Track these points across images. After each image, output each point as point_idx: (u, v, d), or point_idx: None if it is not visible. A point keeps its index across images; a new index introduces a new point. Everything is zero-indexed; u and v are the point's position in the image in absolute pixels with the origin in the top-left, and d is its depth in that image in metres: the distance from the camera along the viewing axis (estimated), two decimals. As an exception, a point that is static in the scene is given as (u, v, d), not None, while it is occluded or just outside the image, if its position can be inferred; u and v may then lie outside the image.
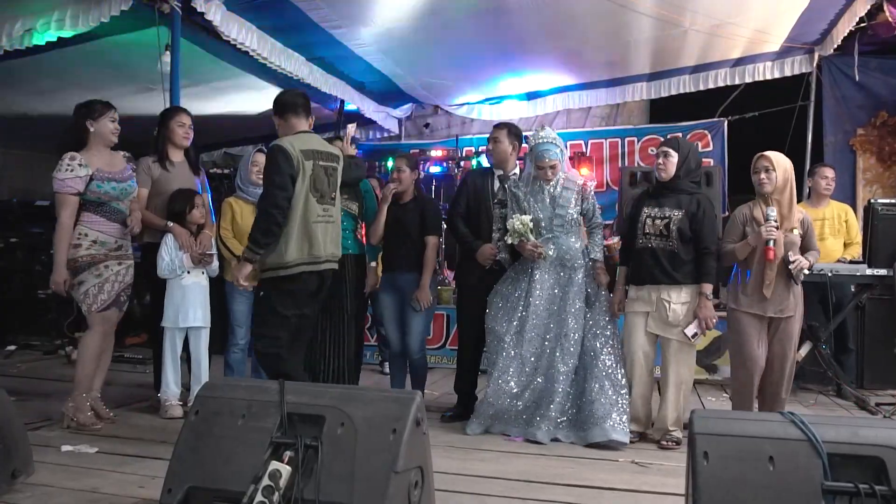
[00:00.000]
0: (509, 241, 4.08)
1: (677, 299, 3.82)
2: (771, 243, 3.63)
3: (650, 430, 3.95)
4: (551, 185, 4.11)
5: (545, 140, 4.09)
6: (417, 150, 8.24)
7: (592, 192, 4.19)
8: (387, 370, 5.70)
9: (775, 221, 3.65)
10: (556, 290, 4.07)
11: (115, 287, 3.92)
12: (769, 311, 3.74)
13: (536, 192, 4.14)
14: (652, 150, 7.92)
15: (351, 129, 4.37)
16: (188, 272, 4.17)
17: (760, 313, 3.75)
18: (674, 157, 3.88)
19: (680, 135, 7.48)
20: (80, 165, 3.80)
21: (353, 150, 4.24)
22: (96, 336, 3.90)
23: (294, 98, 3.59)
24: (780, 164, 3.75)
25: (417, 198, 4.53)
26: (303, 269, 3.39)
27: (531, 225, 4.00)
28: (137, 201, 4.16)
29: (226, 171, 7.60)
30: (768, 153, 3.78)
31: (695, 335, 3.80)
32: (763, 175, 3.74)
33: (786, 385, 3.83)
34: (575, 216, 4.09)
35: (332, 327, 4.24)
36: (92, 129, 3.88)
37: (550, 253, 4.05)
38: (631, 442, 3.82)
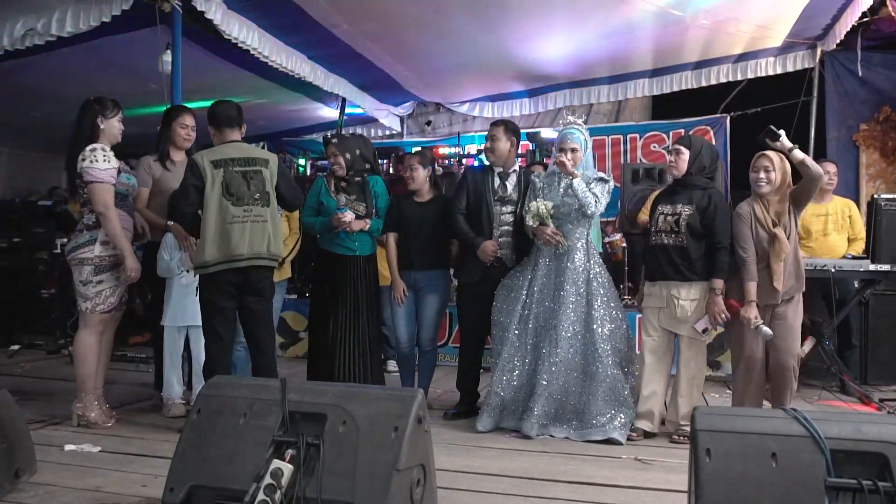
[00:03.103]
0: (529, 223, 4.04)
1: (686, 295, 3.82)
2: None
3: (663, 427, 3.95)
4: (568, 179, 4.09)
5: (571, 124, 4.15)
6: (420, 148, 8.24)
7: (602, 185, 4.04)
8: (390, 368, 5.70)
9: (759, 334, 3.69)
10: (553, 280, 4.05)
11: (122, 290, 3.94)
12: (769, 300, 3.72)
13: (552, 182, 4.14)
14: (654, 147, 7.96)
15: None
16: (187, 271, 4.17)
17: (763, 303, 3.73)
18: (685, 154, 3.89)
19: (693, 130, 7.56)
20: (112, 157, 3.82)
21: None
22: (92, 335, 3.89)
23: (226, 111, 3.85)
24: (779, 165, 3.74)
25: (437, 197, 4.55)
26: (222, 268, 3.64)
27: (552, 211, 3.98)
28: (139, 200, 4.18)
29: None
30: (770, 153, 3.76)
31: (705, 330, 3.82)
32: (762, 174, 3.73)
33: (793, 381, 3.79)
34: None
35: (341, 329, 4.24)
36: (102, 126, 3.90)
37: (566, 242, 4.02)
38: (632, 439, 3.82)
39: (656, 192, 5.81)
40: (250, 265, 3.68)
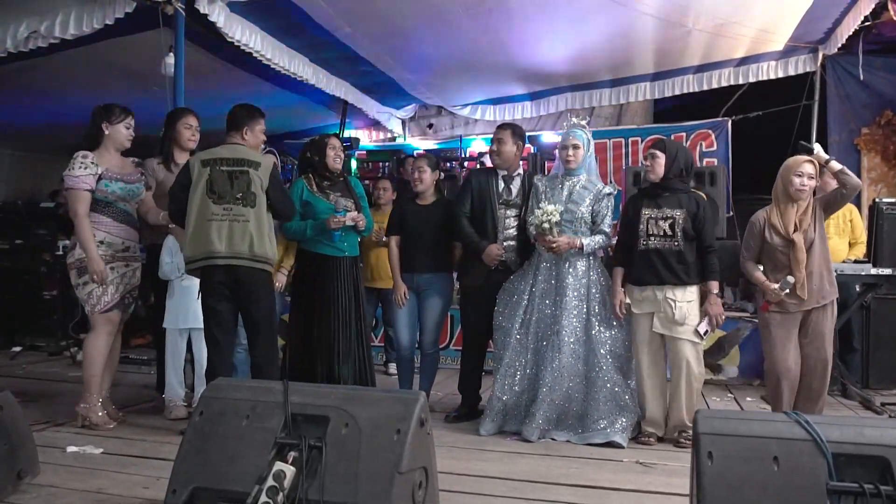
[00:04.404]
0: (531, 231, 4.07)
1: (683, 298, 3.82)
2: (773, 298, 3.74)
3: (666, 432, 3.94)
4: (571, 182, 4.11)
5: (574, 125, 4.20)
6: (422, 151, 8.25)
7: (610, 199, 4.13)
8: (391, 371, 5.71)
9: (787, 291, 3.68)
10: (554, 286, 4.05)
11: (120, 289, 3.95)
12: (798, 306, 3.72)
13: (555, 186, 4.16)
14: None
15: None
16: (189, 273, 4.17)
17: (792, 310, 3.73)
18: (661, 158, 3.90)
19: (695, 133, 7.58)
20: (92, 163, 3.86)
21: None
22: (100, 337, 3.92)
23: (231, 114, 3.91)
24: (816, 173, 3.76)
25: (440, 199, 4.56)
26: (202, 265, 3.67)
27: (556, 217, 3.95)
28: (143, 203, 4.19)
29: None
30: (814, 160, 3.78)
31: (706, 332, 3.84)
32: (807, 181, 3.72)
33: (824, 386, 3.80)
34: (586, 215, 4.07)
35: (324, 330, 4.18)
36: (107, 132, 3.95)
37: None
38: (650, 444, 3.83)
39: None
40: (231, 264, 3.65)
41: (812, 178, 3.72)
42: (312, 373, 4.19)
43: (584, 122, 4.24)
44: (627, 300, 3.96)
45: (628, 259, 3.96)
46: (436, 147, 8.59)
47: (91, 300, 3.89)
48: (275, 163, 3.92)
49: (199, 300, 3.80)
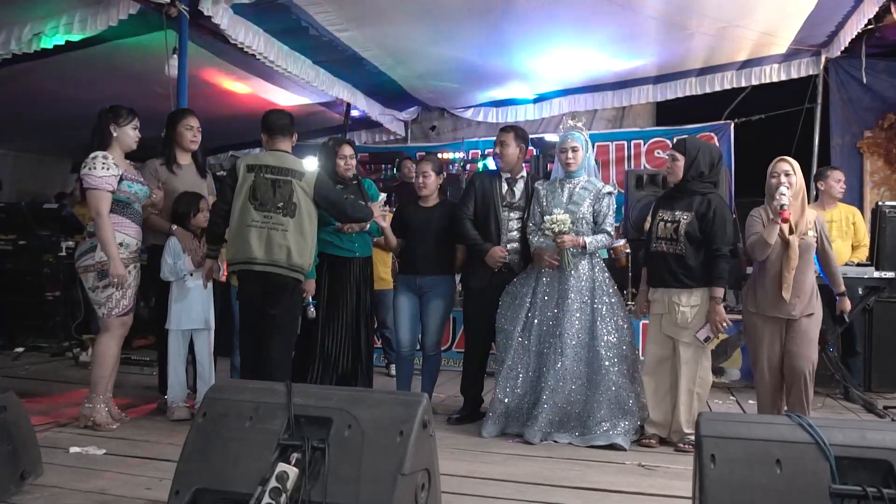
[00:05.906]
0: (535, 241, 4.10)
1: (687, 302, 3.79)
2: (786, 207, 3.55)
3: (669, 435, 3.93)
4: (571, 184, 4.12)
5: (571, 127, 4.21)
6: (423, 153, 8.26)
7: (610, 199, 4.14)
8: (393, 372, 5.71)
9: (788, 191, 3.59)
10: (557, 288, 4.05)
11: (133, 291, 3.96)
12: (782, 312, 3.71)
13: (555, 189, 4.16)
14: (658, 153, 7.97)
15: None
16: (190, 274, 4.18)
17: (775, 315, 3.73)
18: (680, 161, 3.87)
19: (698, 136, 7.58)
20: (113, 164, 3.85)
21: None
22: (113, 339, 3.95)
23: (278, 119, 4.01)
24: (797, 169, 3.74)
25: (444, 202, 4.57)
26: (240, 268, 3.82)
27: (566, 227, 3.94)
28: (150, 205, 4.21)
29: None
30: (788, 158, 3.76)
31: (707, 339, 3.79)
32: (783, 179, 3.70)
33: (808, 386, 3.75)
34: (587, 215, 4.08)
35: (338, 330, 4.25)
36: (115, 134, 3.94)
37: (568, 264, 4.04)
38: (651, 446, 3.82)
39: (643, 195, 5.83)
40: (265, 270, 3.75)
41: (788, 174, 3.69)
42: (308, 371, 4.24)
43: (580, 125, 4.24)
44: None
45: (645, 260, 4.02)
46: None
47: (109, 304, 3.89)
48: (320, 172, 3.96)
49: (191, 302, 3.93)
